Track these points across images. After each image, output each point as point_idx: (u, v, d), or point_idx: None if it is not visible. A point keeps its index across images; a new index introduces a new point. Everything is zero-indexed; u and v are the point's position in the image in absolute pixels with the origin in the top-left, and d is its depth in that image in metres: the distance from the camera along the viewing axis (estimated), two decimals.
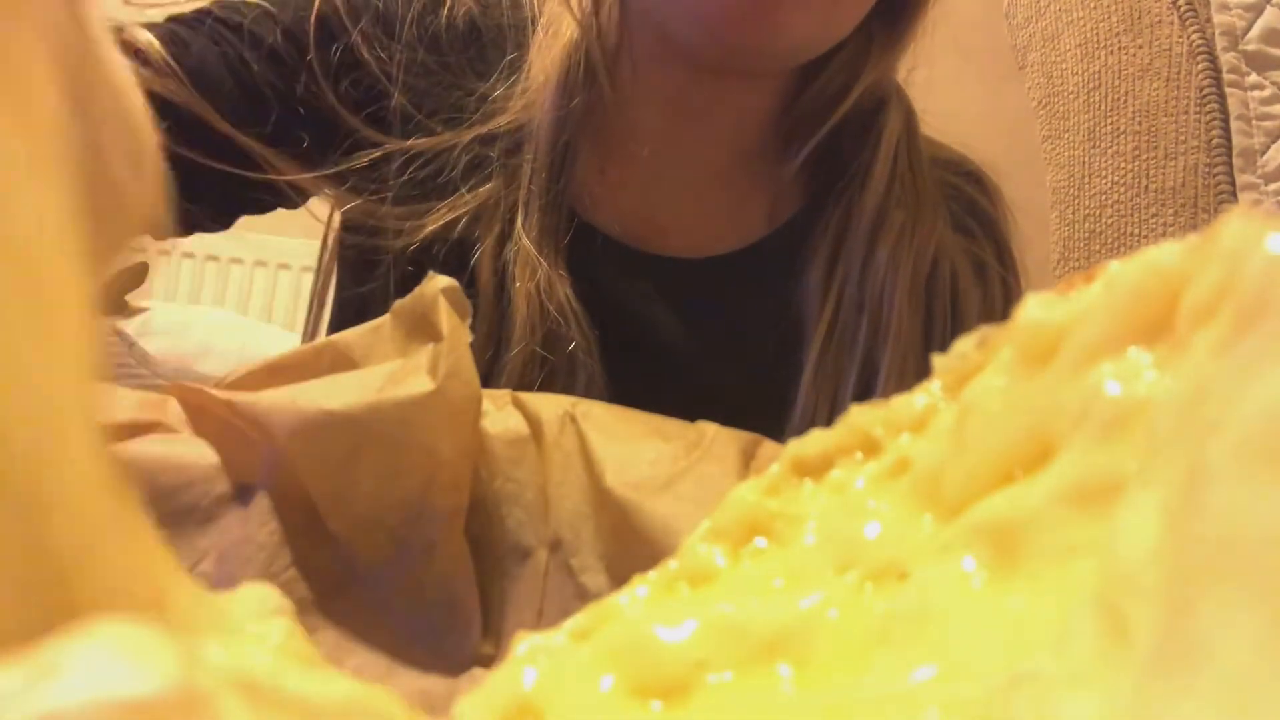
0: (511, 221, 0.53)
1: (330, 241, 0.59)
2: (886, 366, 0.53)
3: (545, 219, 0.53)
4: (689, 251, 0.57)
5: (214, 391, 0.33)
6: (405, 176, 0.53)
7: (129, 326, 1.49)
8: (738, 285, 0.58)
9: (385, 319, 0.35)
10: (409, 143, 0.53)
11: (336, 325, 0.61)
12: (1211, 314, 0.13)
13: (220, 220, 0.58)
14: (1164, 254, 0.14)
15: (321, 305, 0.61)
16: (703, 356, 0.57)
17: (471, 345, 0.51)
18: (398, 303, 0.34)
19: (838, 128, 0.57)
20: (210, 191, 0.53)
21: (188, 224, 0.56)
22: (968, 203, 0.61)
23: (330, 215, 0.59)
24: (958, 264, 0.58)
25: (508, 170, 0.54)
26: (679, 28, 0.52)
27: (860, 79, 0.55)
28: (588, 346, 0.52)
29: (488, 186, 0.53)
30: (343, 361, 0.34)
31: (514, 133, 0.54)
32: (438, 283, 0.33)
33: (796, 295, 0.57)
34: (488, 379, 0.51)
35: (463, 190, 0.53)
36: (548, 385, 0.51)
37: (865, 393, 0.53)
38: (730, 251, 0.58)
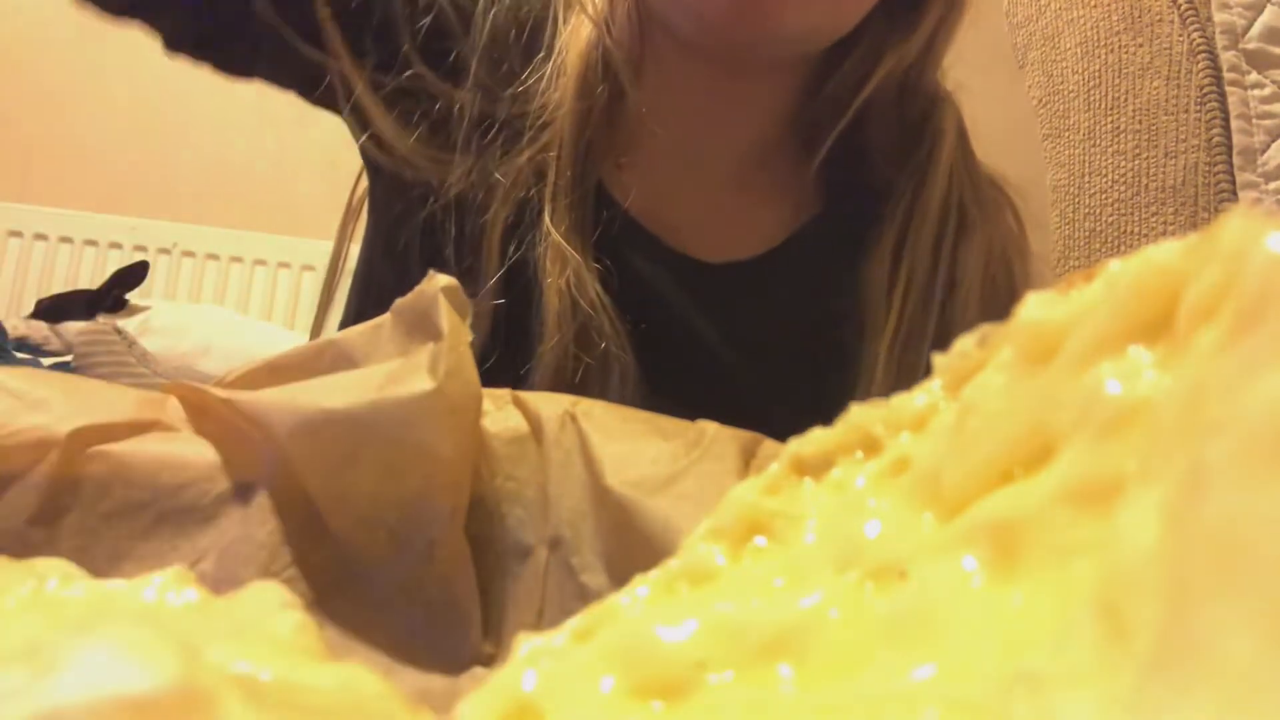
0: (540, 215, 0.53)
1: (355, 201, 0.59)
2: None
3: (573, 214, 0.53)
4: (709, 253, 0.57)
5: (214, 390, 0.33)
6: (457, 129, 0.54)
7: (129, 326, 1.50)
8: (763, 288, 0.58)
9: (386, 318, 0.35)
10: (465, 94, 0.54)
11: (363, 279, 0.61)
12: (1212, 313, 0.13)
13: (249, 70, 0.58)
14: (1164, 253, 0.14)
15: (329, 301, 0.61)
16: (735, 356, 0.56)
17: (495, 343, 0.51)
18: (398, 301, 0.34)
19: (861, 123, 0.57)
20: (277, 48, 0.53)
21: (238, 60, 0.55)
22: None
23: (356, 184, 0.59)
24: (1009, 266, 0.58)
25: (535, 165, 0.54)
26: (679, 24, 0.52)
27: (874, 74, 0.55)
28: (619, 340, 0.52)
29: (518, 168, 0.53)
30: (343, 361, 0.34)
31: (541, 129, 0.54)
32: (438, 281, 0.33)
33: (842, 292, 0.56)
34: (524, 379, 0.51)
35: (497, 174, 0.54)
36: (584, 380, 0.51)
37: None
38: (751, 257, 0.58)
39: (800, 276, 0.58)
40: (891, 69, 0.55)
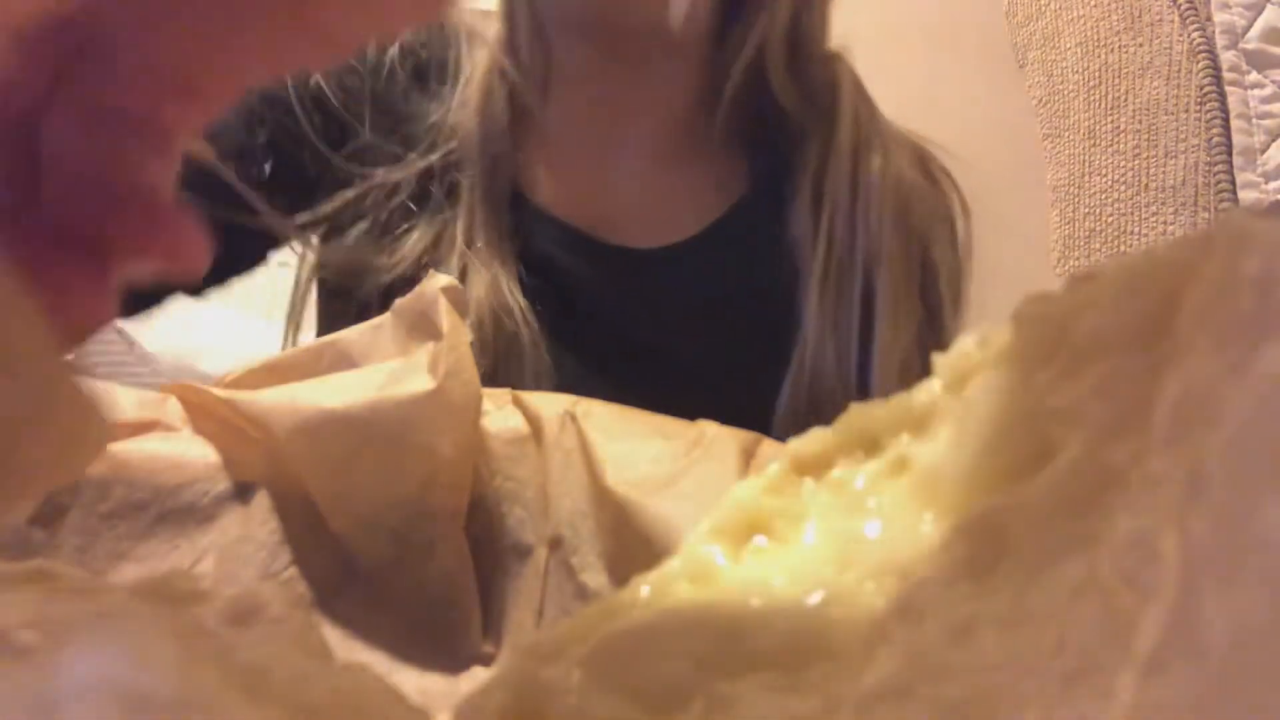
0: (464, 231, 0.56)
1: (304, 280, 0.63)
2: (883, 296, 0.56)
3: (490, 224, 0.56)
4: (643, 240, 0.59)
5: (214, 390, 0.33)
6: (381, 211, 0.57)
7: (129, 326, 1.50)
8: (696, 268, 0.60)
9: (386, 317, 0.35)
10: (379, 175, 0.57)
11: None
12: (1212, 312, 0.13)
13: (218, 281, 0.64)
14: (1164, 252, 0.14)
15: (298, 329, 0.65)
16: (670, 338, 0.58)
17: None
18: (398, 301, 0.34)
19: (767, 92, 0.60)
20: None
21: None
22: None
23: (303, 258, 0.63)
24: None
25: (450, 186, 0.58)
26: (564, 7, 0.56)
27: (749, 40, 0.58)
28: (534, 339, 0.55)
29: (434, 207, 0.57)
30: (343, 361, 0.34)
31: (453, 152, 0.58)
32: (438, 281, 0.33)
33: (776, 260, 0.59)
34: None
35: (422, 217, 0.57)
36: (498, 380, 0.53)
37: (863, 320, 0.57)
38: (683, 240, 0.60)
39: (733, 253, 0.60)
40: (766, 32, 0.59)
